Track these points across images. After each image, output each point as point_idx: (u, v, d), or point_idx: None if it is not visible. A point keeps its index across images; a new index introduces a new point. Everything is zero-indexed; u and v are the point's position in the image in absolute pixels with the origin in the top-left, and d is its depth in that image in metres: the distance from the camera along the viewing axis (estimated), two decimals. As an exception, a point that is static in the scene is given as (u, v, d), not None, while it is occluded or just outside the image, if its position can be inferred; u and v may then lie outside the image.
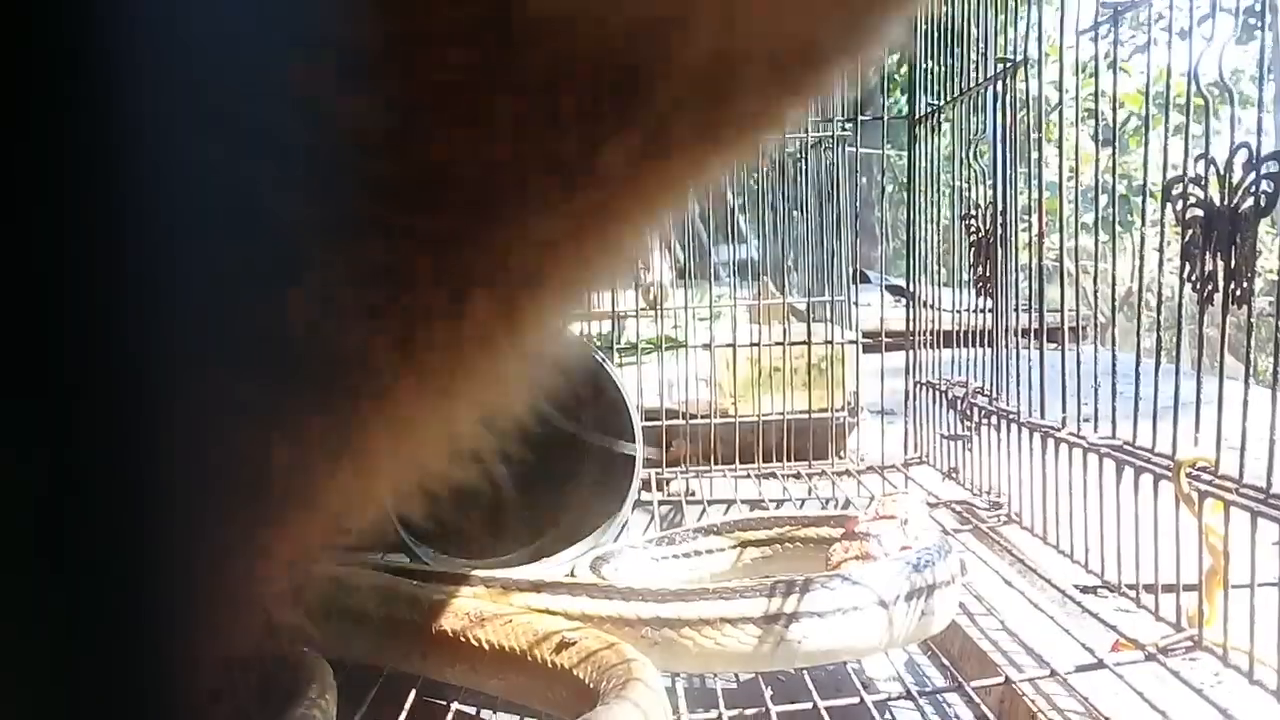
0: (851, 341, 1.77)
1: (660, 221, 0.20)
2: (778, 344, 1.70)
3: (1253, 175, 0.81)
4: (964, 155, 1.49)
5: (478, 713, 0.96)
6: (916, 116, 1.68)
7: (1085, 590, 1.12)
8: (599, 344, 1.60)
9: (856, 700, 0.91)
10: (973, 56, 1.46)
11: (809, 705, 0.89)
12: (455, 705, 0.92)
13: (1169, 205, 0.91)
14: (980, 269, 1.44)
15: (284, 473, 0.18)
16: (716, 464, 1.67)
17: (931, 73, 1.63)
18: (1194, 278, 0.86)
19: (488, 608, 0.91)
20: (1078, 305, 1.80)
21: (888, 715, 0.94)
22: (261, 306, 0.17)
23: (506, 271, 0.18)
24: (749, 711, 0.89)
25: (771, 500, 1.52)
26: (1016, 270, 1.39)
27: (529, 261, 0.18)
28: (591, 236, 0.19)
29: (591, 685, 0.79)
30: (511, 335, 0.19)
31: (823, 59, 0.18)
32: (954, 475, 1.55)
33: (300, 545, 0.20)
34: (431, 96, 0.16)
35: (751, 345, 1.70)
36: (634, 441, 1.28)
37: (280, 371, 0.17)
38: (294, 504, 0.19)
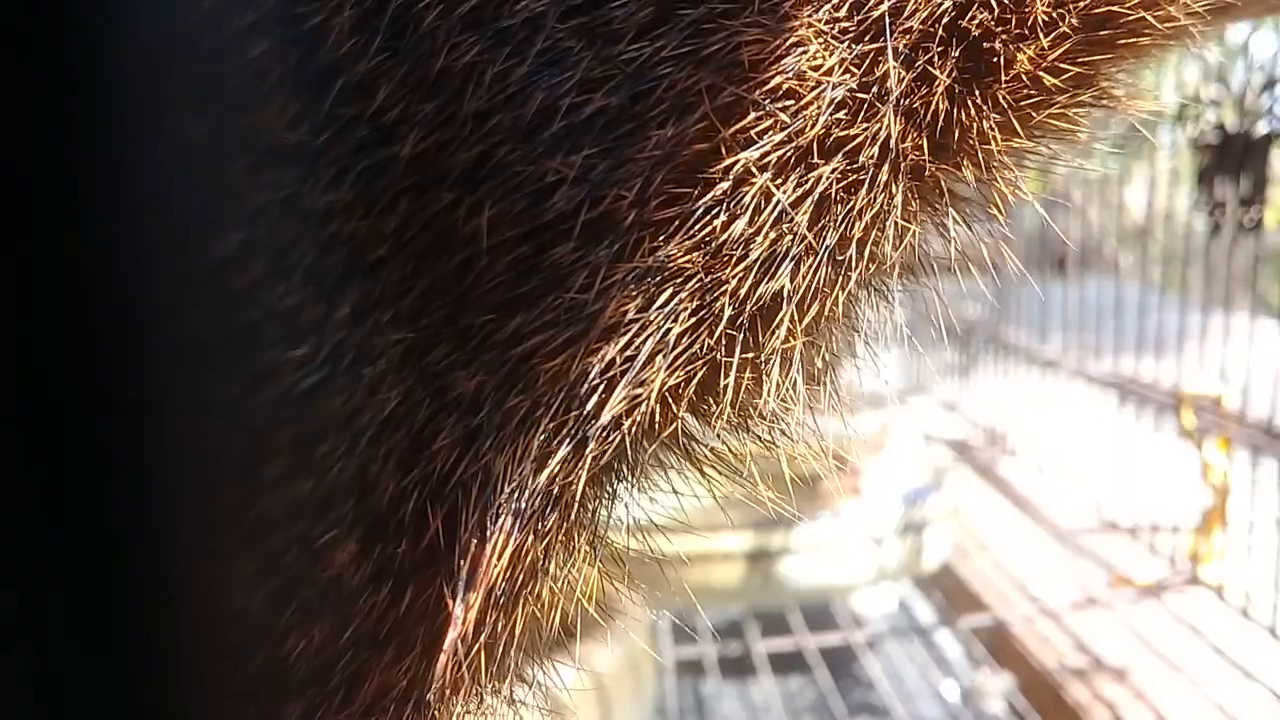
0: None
1: None
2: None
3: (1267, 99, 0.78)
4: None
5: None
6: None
7: (1082, 527, 1.10)
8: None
9: (845, 637, 0.90)
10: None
11: (797, 641, 0.88)
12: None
13: (1181, 128, 0.88)
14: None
15: None
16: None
17: None
18: (1206, 204, 0.84)
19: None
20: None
21: (876, 652, 0.93)
22: None
23: None
24: (734, 646, 0.88)
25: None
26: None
27: None
28: None
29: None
30: None
31: None
32: (952, 408, 1.53)
33: None
34: None
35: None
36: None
37: None
38: None
